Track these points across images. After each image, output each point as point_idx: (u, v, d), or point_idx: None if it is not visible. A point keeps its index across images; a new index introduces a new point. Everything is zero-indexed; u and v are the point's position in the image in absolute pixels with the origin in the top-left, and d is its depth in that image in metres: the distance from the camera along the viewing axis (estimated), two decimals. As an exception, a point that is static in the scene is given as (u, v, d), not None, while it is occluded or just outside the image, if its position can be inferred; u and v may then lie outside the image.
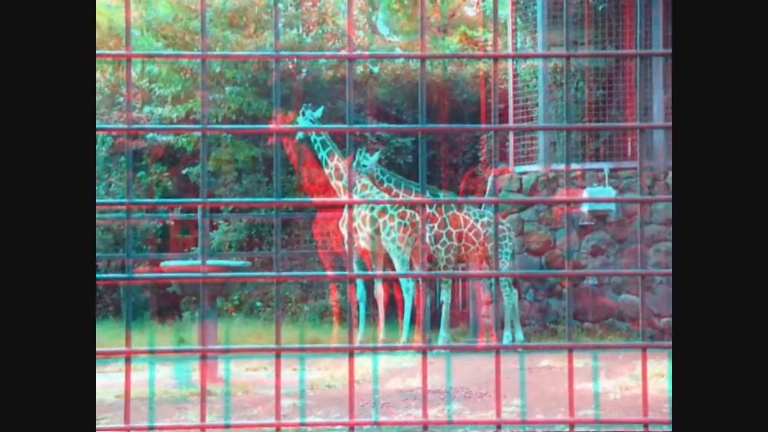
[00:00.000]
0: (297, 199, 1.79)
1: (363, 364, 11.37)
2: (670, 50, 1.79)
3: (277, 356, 1.81)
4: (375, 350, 2.10)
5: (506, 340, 13.74)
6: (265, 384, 10.26)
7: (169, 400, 9.32)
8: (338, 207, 14.40)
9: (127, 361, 1.80)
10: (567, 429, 1.84)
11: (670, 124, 1.83)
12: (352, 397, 1.80)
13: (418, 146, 17.81)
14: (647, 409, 1.81)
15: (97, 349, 1.75)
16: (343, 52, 1.95)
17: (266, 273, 1.70)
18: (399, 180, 14.28)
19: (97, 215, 15.50)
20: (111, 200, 1.76)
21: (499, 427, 1.80)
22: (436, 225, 13.92)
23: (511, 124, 15.52)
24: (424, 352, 1.84)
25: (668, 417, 1.83)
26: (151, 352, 1.78)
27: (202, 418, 1.80)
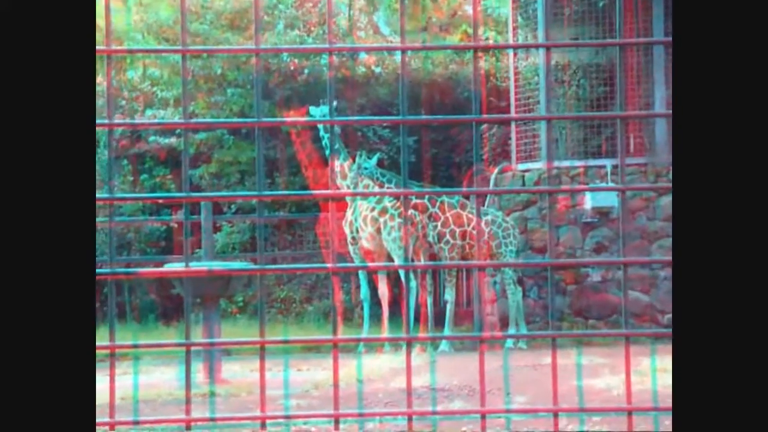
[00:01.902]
0: (279, 192, 1.79)
1: (368, 363, 11.38)
2: (651, 39, 1.80)
3: (262, 348, 1.82)
4: (358, 341, 2.11)
5: (510, 339, 13.74)
6: (270, 384, 10.23)
7: (173, 402, 9.34)
8: (341, 208, 14.42)
9: (112, 355, 1.81)
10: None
11: (652, 112, 1.83)
12: (337, 389, 1.81)
13: (420, 146, 17.87)
14: (630, 397, 1.81)
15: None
16: (325, 45, 1.97)
17: (251, 266, 1.71)
18: (399, 180, 14.29)
19: (99, 218, 15.50)
20: (104, 196, 1.77)
21: (483, 416, 1.81)
22: (439, 224, 13.92)
23: (512, 123, 15.51)
24: (408, 343, 1.84)
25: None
26: (135, 346, 1.79)
27: (188, 412, 1.80)
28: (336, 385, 1.76)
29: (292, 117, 16.76)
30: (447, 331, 13.88)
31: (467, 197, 14.43)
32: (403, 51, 1.83)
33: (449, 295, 14.13)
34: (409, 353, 1.78)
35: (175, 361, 11.56)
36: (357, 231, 13.98)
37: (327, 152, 14.38)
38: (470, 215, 14.06)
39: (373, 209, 13.81)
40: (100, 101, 18.22)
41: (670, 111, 1.83)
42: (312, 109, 14.29)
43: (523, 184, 15.16)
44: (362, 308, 14.28)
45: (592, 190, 1.76)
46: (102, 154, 17.82)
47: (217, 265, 11.53)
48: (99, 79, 18.60)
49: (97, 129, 1.82)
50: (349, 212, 14.11)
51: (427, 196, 14.25)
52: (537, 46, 1.65)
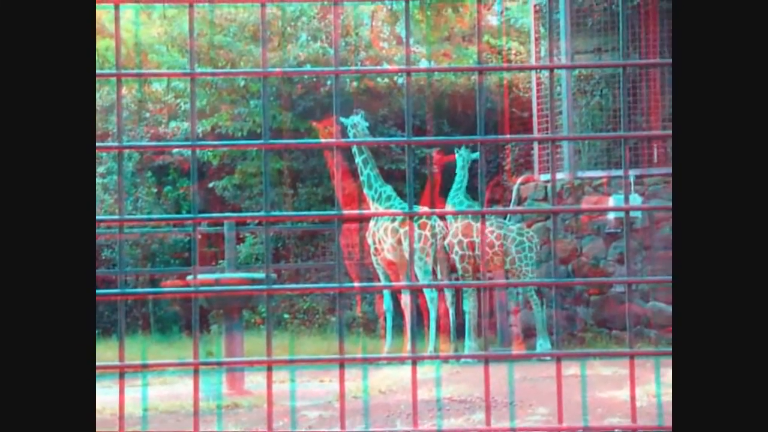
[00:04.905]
0: (288, 213, 1.81)
1: (391, 374, 11.40)
2: (665, 59, 1.81)
3: (269, 369, 1.84)
4: (363, 361, 2.13)
5: (539, 349, 13.72)
6: (293, 395, 10.29)
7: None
8: (365, 218, 14.44)
9: (121, 376, 1.83)
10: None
11: (664, 132, 1.84)
12: (343, 407, 1.83)
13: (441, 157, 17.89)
14: (635, 416, 1.82)
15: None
16: (330, 68, 1.99)
17: (257, 287, 1.73)
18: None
19: (113, 230, 15.63)
20: (107, 217, 1.80)
21: (488, 435, 1.82)
22: (449, 235, 13.93)
23: (535, 133, 15.52)
24: (413, 362, 1.85)
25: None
26: (144, 366, 1.81)
27: (195, 429, 1.83)
28: (342, 404, 1.78)
29: (324, 127, 16.89)
30: (468, 342, 13.88)
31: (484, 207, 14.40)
32: (408, 73, 1.85)
33: (467, 306, 14.12)
34: (414, 371, 1.80)
35: (199, 373, 11.60)
36: (379, 242, 14.00)
37: (356, 160, 14.36)
38: (486, 226, 14.00)
39: (393, 220, 13.83)
40: (123, 115, 18.37)
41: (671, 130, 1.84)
42: (342, 119, 14.37)
43: (546, 195, 15.13)
44: (385, 319, 14.30)
45: (594, 210, 1.76)
46: (125, 166, 17.93)
47: (236, 277, 11.57)
48: (124, 91, 18.74)
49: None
50: (372, 223, 14.13)
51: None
52: (539, 68, 1.67)
